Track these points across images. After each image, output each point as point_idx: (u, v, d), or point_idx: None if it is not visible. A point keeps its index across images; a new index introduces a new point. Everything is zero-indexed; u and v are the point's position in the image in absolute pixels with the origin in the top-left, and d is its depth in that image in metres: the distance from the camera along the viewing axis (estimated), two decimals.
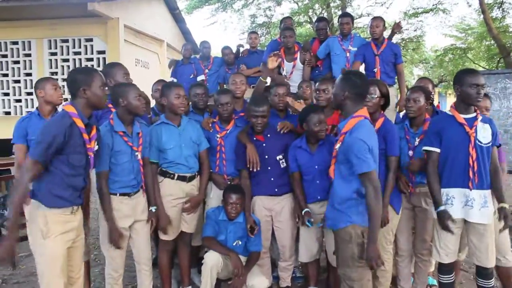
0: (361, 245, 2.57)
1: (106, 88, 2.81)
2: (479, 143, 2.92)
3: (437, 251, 3.08)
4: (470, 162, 2.92)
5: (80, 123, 2.51)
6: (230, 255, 3.37)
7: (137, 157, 3.11)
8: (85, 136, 2.55)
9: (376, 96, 3.18)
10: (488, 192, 2.96)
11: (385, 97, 3.26)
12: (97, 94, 2.57)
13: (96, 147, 2.68)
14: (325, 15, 14.07)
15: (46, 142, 2.38)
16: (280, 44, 5.27)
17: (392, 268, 3.40)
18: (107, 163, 3.00)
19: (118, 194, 3.07)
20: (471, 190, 2.92)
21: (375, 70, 4.88)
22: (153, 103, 4.34)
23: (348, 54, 5.06)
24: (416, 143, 3.30)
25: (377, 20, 4.99)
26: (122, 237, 3.05)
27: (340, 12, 13.98)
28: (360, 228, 2.58)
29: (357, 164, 2.50)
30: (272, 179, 3.52)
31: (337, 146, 2.65)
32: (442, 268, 3.13)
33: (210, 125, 3.72)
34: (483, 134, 2.93)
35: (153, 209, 3.28)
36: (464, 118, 2.96)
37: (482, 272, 3.02)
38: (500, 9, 11.88)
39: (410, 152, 3.32)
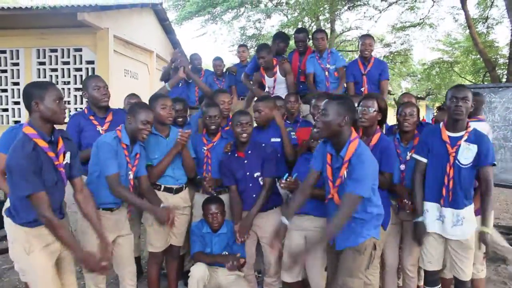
0: (370, 256, 2.69)
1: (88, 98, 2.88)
2: (458, 163, 2.92)
3: (422, 258, 3.15)
4: (445, 180, 2.95)
5: (42, 143, 2.39)
6: (223, 260, 3.41)
7: (129, 176, 3.08)
8: (51, 154, 2.44)
9: (373, 110, 3.16)
10: (464, 211, 2.95)
11: (383, 112, 3.25)
12: (51, 108, 2.40)
13: (68, 159, 2.59)
14: (314, 28, 14.20)
15: (27, 174, 2.30)
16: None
17: (378, 283, 3.40)
18: (115, 166, 2.94)
19: (100, 209, 3.01)
20: (442, 207, 2.98)
21: (362, 89, 4.90)
22: None
23: (327, 73, 5.02)
24: (408, 157, 3.32)
25: (370, 39, 4.94)
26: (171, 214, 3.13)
27: (329, 25, 14.12)
28: (374, 240, 2.69)
29: (356, 186, 2.50)
30: (254, 195, 3.50)
31: (343, 174, 2.61)
32: (428, 279, 3.18)
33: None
34: (465, 155, 2.90)
35: (163, 205, 3.20)
36: (450, 136, 2.96)
37: (458, 287, 3.07)
38: (485, 24, 12.11)
39: (402, 166, 3.33)
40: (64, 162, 2.56)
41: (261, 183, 3.50)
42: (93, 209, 2.75)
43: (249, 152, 3.52)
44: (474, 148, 2.90)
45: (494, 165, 2.96)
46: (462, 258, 2.98)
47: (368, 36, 5.07)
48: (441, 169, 2.98)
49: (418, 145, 3.16)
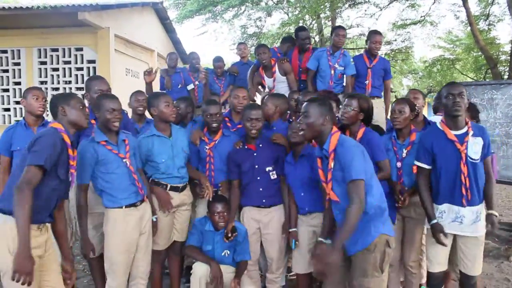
0: (383, 254, 2.58)
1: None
2: (470, 159, 2.88)
3: (430, 260, 3.11)
4: (462, 179, 2.89)
5: (67, 139, 2.53)
6: (210, 264, 3.36)
7: (126, 164, 3.06)
8: (70, 152, 2.55)
9: (352, 108, 3.20)
10: (480, 207, 2.94)
11: (365, 112, 3.26)
12: (76, 112, 2.62)
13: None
14: (315, 26, 14.19)
15: (49, 149, 2.37)
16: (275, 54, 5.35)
17: (387, 279, 3.40)
18: (87, 177, 2.98)
19: (124, 207, 3.02)
20: (464, 207, 2.92)
21: (367, 82, 4.92)
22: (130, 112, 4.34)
23: (333, 72, 4.97)
24: (404, 154, 3.32)
25: (380, 36, 4.96)
26: (94, 251, 3.07)
27: (329, 23, 14.09)
28: (386, 236, 2.60)
29: (350, 172, 2.47)
30: (260, 189, 3.50)
31: (331, 166, 2.61)
32: (432, 282, 3.14)
33: (198, 141, 3.72)
34: (475, 149, 2.88)
35: (154, 218, 3.26)
36: (455, 134, 2.92)
37: (466, 282, 3.04)
38: (487, 21, 12.07)
39: (398, 164, 3.34)
40: (75, 166, 2.64)
41: (272, 177, 3.50)
42: (65, 228, 2.82)
43: (260, 145, 3.52)
44: (480, 141, 2.89)
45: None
46: (475, 253, 2.96)
47: (378, 33, 5.04)
48: (454, 169, 2.91)
49: (419, 152, 3.10)
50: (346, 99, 3.31)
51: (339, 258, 2.43)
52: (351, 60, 5.10)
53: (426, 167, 3.04)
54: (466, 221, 2.93)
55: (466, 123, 2.94)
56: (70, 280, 2.74)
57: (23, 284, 2.24)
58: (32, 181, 2.31)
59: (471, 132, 2.91)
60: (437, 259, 3.06)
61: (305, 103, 2.72)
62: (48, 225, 2.62)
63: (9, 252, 2.36)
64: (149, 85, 4.58)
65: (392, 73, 5.60)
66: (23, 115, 3.56)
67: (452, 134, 2.93)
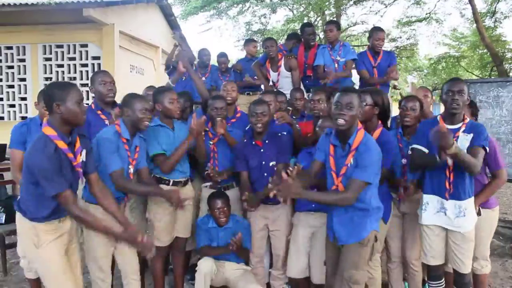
0: (372, 248, 2.71)
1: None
2: None
3: (424, 253, 3.12)
4: (447, 173, 2.93)
5: (62, 145, 2.41)
6: (227, 251, 3.42)
7: (129, 170, 3.06)
8: (70, 155, 2.48)
9: (366, 104, 3.12)
10: (466, 202, 2.93)
11: (380, 106, 3.18)
12: (72, 110, 2.40)
13: (83, 157, 2.61)
14: (320, 22, 14.17)
15: (51, 174, 2.34)
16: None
17: (381, 276, 3.40)
18: (119, 161, 2.92)
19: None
20: (447, 200, 2.95)
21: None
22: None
23: (336, 65, 4.98)
24: (409, 151, 3.31)
25: (383, 33, 4.94)
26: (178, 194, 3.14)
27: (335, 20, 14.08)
28: (375, 232, 2.71)
29: (362, 172, 2.54)
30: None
31: (350, 161, 2.63)
32: (431, 274, 3.16)
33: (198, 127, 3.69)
34: (464, 145, 2.88)
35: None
36: (449, 129, 2.87)
37: (458, 280, 3.04)
38: (493, 18, 12.02)
39: (404, 161, 3.33)
40: (80, 161, 2.59)
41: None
42: (112, 200, 2.79)
43: (266, 141, 3.51)
44: (470, 137, 2.89)
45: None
46: (463, 251, 2.97)
47: (380, 29, 5.02)
48: (441, 161, 2.92)
49: (417, 136, 3.11)
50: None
51: (294, 193, 2.50)
52: (351, 47, 5.13)
53: (426, 150, 2.98)
54: (449, 214, 2.95)
55: (463, 120, 2.95)
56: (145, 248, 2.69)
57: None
58: (70, 201, 2.40)
59: (463, 128, 2.92)
60: (431, 253, 3.09)
61: (345, 94, 2.64)
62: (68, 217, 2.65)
63: (34, 245, 2.47)
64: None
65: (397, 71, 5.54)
66: (34, 113, 3.56)
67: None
